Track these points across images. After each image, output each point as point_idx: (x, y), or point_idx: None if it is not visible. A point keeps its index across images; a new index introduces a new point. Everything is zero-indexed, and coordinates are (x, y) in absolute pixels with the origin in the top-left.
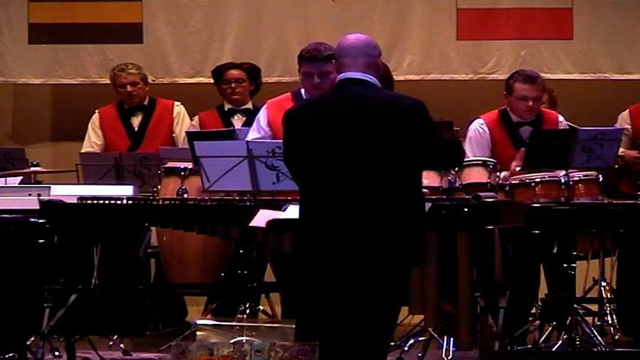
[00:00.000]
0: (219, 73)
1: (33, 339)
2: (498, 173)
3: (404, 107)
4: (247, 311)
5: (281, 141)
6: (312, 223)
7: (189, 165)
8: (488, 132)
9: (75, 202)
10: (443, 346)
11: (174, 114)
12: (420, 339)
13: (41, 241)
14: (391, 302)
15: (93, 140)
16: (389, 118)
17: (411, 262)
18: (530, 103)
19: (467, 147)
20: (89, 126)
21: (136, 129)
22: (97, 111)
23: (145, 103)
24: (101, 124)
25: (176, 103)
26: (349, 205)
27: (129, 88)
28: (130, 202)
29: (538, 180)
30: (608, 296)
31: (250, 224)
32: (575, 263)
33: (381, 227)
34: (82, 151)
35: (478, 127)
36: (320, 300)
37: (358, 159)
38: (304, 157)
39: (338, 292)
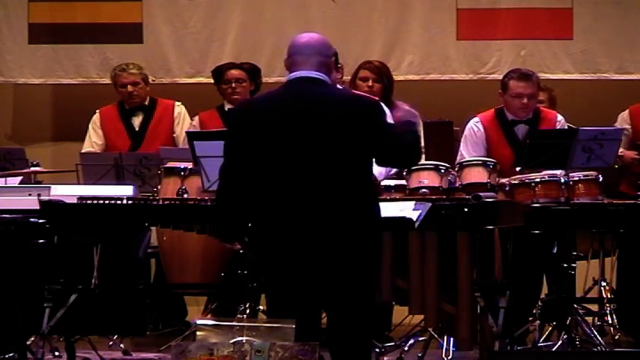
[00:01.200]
0: (219, 73)
1: (33, 339)
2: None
3: (361, 105)
4: (247, 311)
5: None
6: (268, 222)
7: (189, 165)
8: (483, 130)
9: (75, 202)
10: (443, 346)
11: (175, 114)
12: (420, 339)
13: (41, 241)
14: (360, 296)
15: (93, 140)
16: (347, 114)
17: (363, 264)
18: (525, 101)
19: (462, 145)
20: (90, 126)
21: (136, 129)
22: (97, 111)
23: (146, 103)
24: (102, 124)
25: (177, 103)
26: (305, 202)
27: (130, 88)
28: (130, 202)
29: (538, 180)
30: (608, 296)
31: None
32: (575, 263)
33: (335, 228)
34: (83, 151)
35: (473, 125)
36: (289, 298)
37: (316, 154)
38: (257, 155)
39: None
